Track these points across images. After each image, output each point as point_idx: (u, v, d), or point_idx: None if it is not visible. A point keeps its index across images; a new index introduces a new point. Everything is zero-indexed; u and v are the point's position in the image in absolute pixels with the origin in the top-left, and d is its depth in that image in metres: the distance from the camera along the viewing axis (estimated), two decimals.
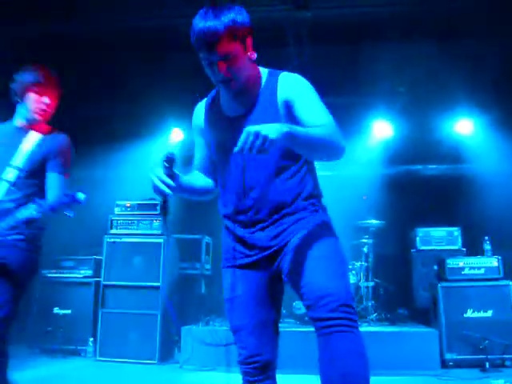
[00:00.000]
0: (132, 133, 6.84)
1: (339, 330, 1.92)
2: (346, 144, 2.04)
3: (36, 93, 2.98)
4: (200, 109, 2.38)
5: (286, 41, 5.56)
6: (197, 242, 6.43)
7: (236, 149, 1.81)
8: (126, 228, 5.90)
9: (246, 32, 2.03)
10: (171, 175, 2.07)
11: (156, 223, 5.84)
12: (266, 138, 1.77)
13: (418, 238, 6.39)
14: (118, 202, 6.06)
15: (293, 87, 2.14)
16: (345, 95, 6.23)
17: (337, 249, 2.13)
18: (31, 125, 3.03)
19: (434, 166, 7.49)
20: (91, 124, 6.74)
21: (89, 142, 6.73)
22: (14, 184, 2.88)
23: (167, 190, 2.05)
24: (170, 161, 2.07)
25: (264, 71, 2.23)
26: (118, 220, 5.95)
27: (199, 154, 2.43)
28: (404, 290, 6.46)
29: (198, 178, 2.39)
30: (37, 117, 3.02)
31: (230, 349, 4.93)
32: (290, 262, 2.09)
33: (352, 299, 2.02)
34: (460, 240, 6.27)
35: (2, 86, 3.11)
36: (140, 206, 5.96)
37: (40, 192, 2.94)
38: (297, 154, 2.14)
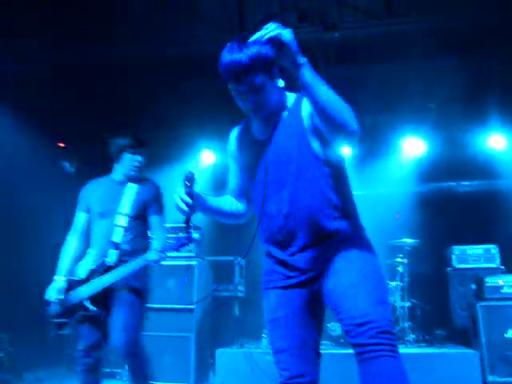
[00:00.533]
0: (164, 157, 6.93)
1: (380, 354, 1.92)
2: (358, 128, 2.03)
3: (131, 153, 3.65)
4: (233, 135, 2.48)
5: (314, 62, 5.59)
6: (230, 263, 6.44)
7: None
8: None
9: (270, 62, 2.10)
10: (191, 194, 2.17)
11: (190, 245, 5.87)
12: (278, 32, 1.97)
13: (454, 257, 6.27)
14: None
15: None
16: (375, 114, 6.21)
17: (378, 273, 2.12)
18: (128, 178, 3.67)
19: (468, 183, 7.38)
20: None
21: None
22: (126, 228, 3.48)
23: (186, 208, 2.15)
24: (189, 180, 2.17)
25: (293, 95, 2.30)
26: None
27: (232, 179, 2.50)
28: (441, 310, 6.32)
29: (227, 202, 2.46)
30: (132, 173, 3.65)
31: (265, 371, 4.89)
32: (330, 286, 2.10)
33: (392, 325, 2.01)
34: (498, 258, 6.12)
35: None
36: (173, 229, 6.01)
37: (145, 233, 3.62)
38: (334, 174, 2.16)
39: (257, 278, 5.55)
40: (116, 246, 3.42)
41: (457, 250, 6.28)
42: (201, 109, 6.27)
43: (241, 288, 6.55)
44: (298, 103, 2.24)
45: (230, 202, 2.47)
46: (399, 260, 6.26)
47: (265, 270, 2.32)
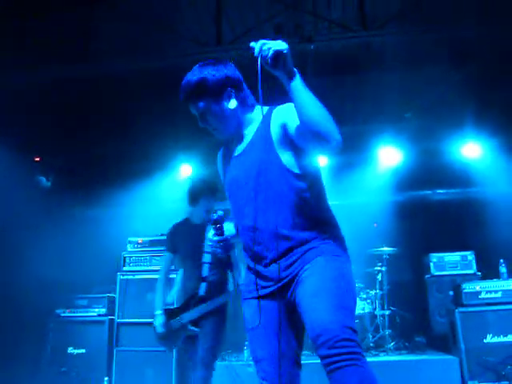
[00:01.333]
0: (141, 170, 6.91)
1: (340, 365, 1.89)
2: (340, 139, 2.04)
3: (206, 199, 4.12)
4: (219, 154, 2.55)
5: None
6: None
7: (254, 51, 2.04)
8: (138, 265, 5.91)
9: (219, 85, 2.22)
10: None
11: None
12: (272, 49, 2.00)
13: (431, 264, 6.34)
14: (130, 239, 6.09)
15: (284, 112, 2.22)
16: (351, 124, 6.28)
17: (342, 278, 2.10)
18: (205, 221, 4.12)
19: (444, 191, 7.48)
20: (101, 163, 6.83)
21: (100, 180, 6.84)
22: (210, 264, 4.03)
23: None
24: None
25: (264, 109, 2.30)
26: (130, 257, 5.97)
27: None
28: (420, 316, 6.38)
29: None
30: (209, 216, 3.74)
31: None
32: (299, 296, 2.12)
33: (352, 332, 1.96)
34: (474, 264, 6.21)
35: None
36: (152, 242, 5.97)
37: (225, 266, 4.09)
38: (306, 185, 2.18)
39: (236, 290, 5.53)
40: (204, 279, 4.05)
41: (434, 257, 6.35)
42: (179, 123, 6.27)
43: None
44: (267, 116, 2.27)
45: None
46: (378, 268, 6.31)
47: (244, 281, 2.35)
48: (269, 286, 2.21)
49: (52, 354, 5.90)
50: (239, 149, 2.32)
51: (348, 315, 2.02)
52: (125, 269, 5.93)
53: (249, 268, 2.32)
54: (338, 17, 5.20)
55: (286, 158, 2.18)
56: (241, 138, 2.33)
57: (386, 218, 7.04)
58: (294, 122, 2.13)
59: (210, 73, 2.20)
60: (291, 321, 2.22)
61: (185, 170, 7.47)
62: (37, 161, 7.19)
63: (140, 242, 6.04)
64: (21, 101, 5.84)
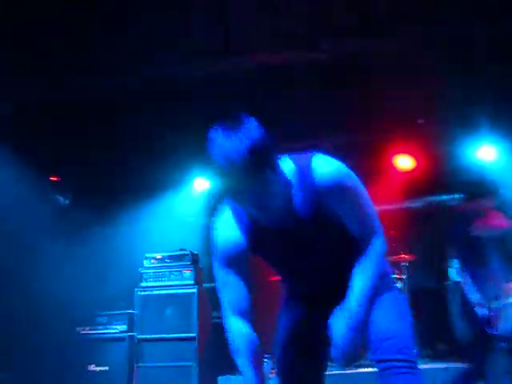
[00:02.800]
0: (156, 185, 6.95)
1: (402, 371, 1.93)
2: (384, 238, 2.02)
3: None
4: (228, 221, 2.05)
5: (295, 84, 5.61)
6: None
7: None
8: (156, 280, 5.92)
9: (269, 153, 1.77)
10: None
11: (187, 273, 5.85)
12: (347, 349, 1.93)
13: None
14: (147, 255, 6.11)
15: (332, 190, 1.89)
16: (364, 133, 6.26)
17: (400, 305, 2.14)
18: None
19: (461, 196, 7.40)
20: (116, 178, 6.89)
21: (117, 196, 6.89)
22: None
23: None
24: None
25: (290, 169, 1.92)
26: (148, 272, 5.99)
27: (233, 293, 2.05)
28: (442, 324, 6.29)
29: (255, 354, 2.07)
30: None
31: None
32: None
33: (413, 344, 2.04)
34: None
35: None
36: (169, 258, 5.99)
37: None
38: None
39: (255, 302, 5.48)
40: None
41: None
42: (194, 135, 6.29)
43: None
44: (306, 183, 1.90)
45: (252, 346, 2.05)
46: (397, 276, 6.25)
47: (283, 299, 2.34)
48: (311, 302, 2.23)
49: (74, 372, 5.93)
50: (276, 221, 1.89)
51: (410, 328, 2.07)
52: (142, 284, 5.94)
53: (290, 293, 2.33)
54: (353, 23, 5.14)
55: (335, 219, 1.97)
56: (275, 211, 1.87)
57: (404, 224, 6.98)
58: (344, 213, 1.95)
59: (260, 139, 1.73)
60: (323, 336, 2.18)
61: (199, 184, 7.48)
62: (54, 180, 7.27)
63: (158, 257, 6.05)
64: (36, 120, 5.94)
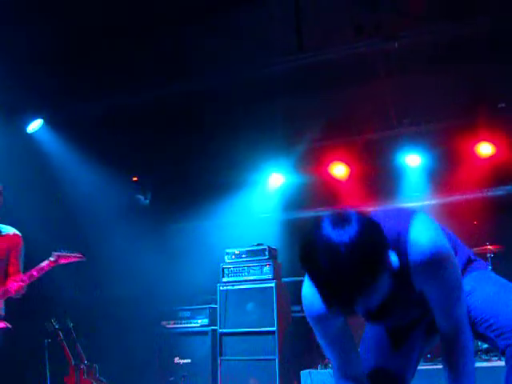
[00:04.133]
0: (233, 182, 7.05)
1: None
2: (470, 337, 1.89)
3: None
4: (317, 303, 1.78)
5: (375, 74, 5.55)
6: None
7: None
8: (237, 275, 6.02)
9: (381, 259, 1.53)
10: None
11: (266, 268, 5.91)
12: None
13: None
14: (228, 250, 6.21)
15: (429, 279, 1.75)
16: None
17: (505, 283, 2.06)
18: None
19: None
20: (195, 176, 7.05)
21: (194, 193, 7.06)
22: None
23: None
24: None
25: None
26: (228, 268, 6.09)
27: (343, 353, 1.93)
28: None
29: None
30: None
31: None
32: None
33: None
34: None
35: None
36: (249, 253, 6.07)
37: None
38: None
39: None
40: None
41: None
42: (268, 131, 6.35)
43: None
44: (405, 271, 1.73)
45: None
46: None
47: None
48: None
49: (160, 364, 6.16)
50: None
51: None
52: (224, 280, 6.06)
53: None
54: (420, 12, 5.04)
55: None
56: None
57: (487, 214, 6.69)
58: (434, 300, 1.84)
59: (369, 246, 1.49)
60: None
61: (274, 180, 7.51)
62: (135, 180, 7.55)
63: (237, 252, 6.15)
64: (118, 122, 6.21)
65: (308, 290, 1.84)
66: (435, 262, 1.71)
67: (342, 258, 1.44)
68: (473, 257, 2.16)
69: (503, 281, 2.07)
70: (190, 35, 5.36)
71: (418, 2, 5.04)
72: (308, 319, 1.91)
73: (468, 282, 2.02)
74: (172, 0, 5.03)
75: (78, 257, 3.96)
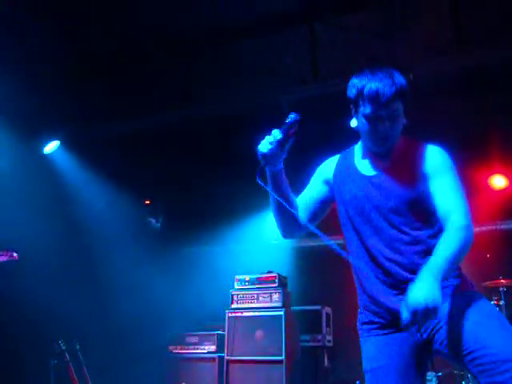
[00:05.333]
0: (243, 208, 7.06)
1: None
2: (471, 225, 2.07)
3: None
4: (331, 162, 2.47)
5: None
6: (316, 312, 6.34)
7: (403, 326, 1.91)
8: (246, 302, 5.98)
9: (407, 96, 2.19)
10: (288, 137, 2.23)
11: (275, 296, 5.87)
12: (429, 310, 1.82)
13: None
14: (238, 277, 6.19)
15: (436, 163, 2.20)
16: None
17: (497, 312, 2.12)
18: None
19: None
20: (206, 200, 7.08)
21: (205, 218, 7.07)
22: None
23: (271, 144, 2.20)
24: (292, 123, 2.23)
25: (405, 138, 2.30)
26: (238, 294, 6.06)
27: (308, 193, 2.47)
28: None
29: (293, 197, 2.42)
30: None
31: None
32: (446, 330, 2.02)
33: None
34: None
35: None
36: (259, 280, 6.04)
37: None
38: (430, 220, 2.16)
39: (344, 326, 5.41)
40: None
41: None
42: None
43: (328, 338, 6.41)
44: (414, 152, 2.23)
45: (295, 201, 2.42)
46: (495, 302, 5.93)
47: (361, 320, 2.29)
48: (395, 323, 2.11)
49: None
50: (373, 169, 2.28)
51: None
52: (233, 306, 6.02)
53: (367, 309, 2.26)
54: (433, 42, 5.06)
55: (422, 199, 2.19)
56: (379, 157, 2.28)
57: (500, 247, 6.62)
58: (437, 185, 2.16)
59: (404, 80, 2.18)
60: (417, 359, 2.13)
61: None
62: (147, 204, 7.59)
63: (247, 279, 6.12)
64: (132, 145, 6.27)
65: (330, 158, 2.48)
66: (447, 159, 2.21)
67: (385, 82, 2.13)
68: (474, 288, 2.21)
69: (497, 312, 2.12)
70: (204, 62, 5.43)
71: (433, 32, 5.06)
72: (316, 174, 2.49)
73: (460, 300, 2.05)
74: (187, 28, 5.11)
75: (10, 256, 3.57)
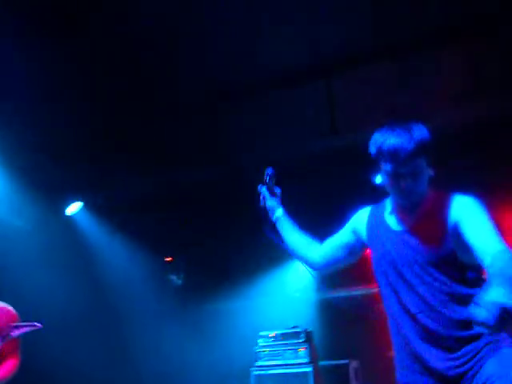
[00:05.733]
0: (265, 262, 7.02)
1: None
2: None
3: None
4: (364, 214, 2.48)
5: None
6: (344, 367, 6.15)
7: (479, 323, 1.70)
8: (271, 359, 5.83)
9: (430, 149, 2.16)
10: (271, 189, 2.59)
11: (301, 352, 5.72)
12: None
13: None
14: (262, 333, 6.06)
15: (464, 208, 2.15)
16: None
17: None
18: None
19: None
20: (228, 256, 7.06)
21: (227, 274, 7.05)
22: None
23: (263, 200, 2.58)
24: (269, 177, 2.60)
25: (434, 190, 2.27)
26: (263, 351, 5.92)
27: (336, 237, 2.53)
28: None
29: (308, 241, 2.56)
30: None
31: None
32: None
33: None
34: None
35: None
36: (284, 336, 5.91)
37: None
38: (464, 275, 2.10)
39: (371, 380, 5.23)
40: None
41: None
42: (297, 208, 6.37)
43: None
44: (443, 202, 2.19)
45: (311, 244, 2.54)
46: None
47: (402, 381, 2.22)
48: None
49: None
50: (401, 223, 2.26)
51: None
52: (258, 364, 5.87)
53: (406, 368, 2.19)
54: (454, 92, 5.08)
55: (452, 251, 2.12)
56: (408, 211, 2.24)
57: None
58: (470, 229, 2.07)
59: (426, 134, 2.15)
60: None
61: None
62: (168, 261, 7.61)
63: (272, 335, 5.99)
64: (153, 204, 6.34)
65: (362, 209, 2.50)
66: (474, 202, 2.15)
67: (405, 138, 2.11)
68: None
69: None
70: (226, 118, 5.53)
71: (452, 82, 5.09)
72: (350, 223, 2.52)
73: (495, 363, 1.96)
74: (212, 82, 5.23)
75: (32, 326, 3.62)
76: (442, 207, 2.18)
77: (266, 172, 2.59)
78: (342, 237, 2.51)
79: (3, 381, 3.59)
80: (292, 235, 2.56)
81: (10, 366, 3.60)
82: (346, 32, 4.73)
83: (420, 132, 2.12)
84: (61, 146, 5.38)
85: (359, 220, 2.47)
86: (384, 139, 2.14)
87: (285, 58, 4.96)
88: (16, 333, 3.48)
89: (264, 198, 2.57)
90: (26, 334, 3.54)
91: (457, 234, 2.10)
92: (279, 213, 2.61)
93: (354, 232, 2.47)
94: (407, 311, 2.15)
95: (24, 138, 5.05)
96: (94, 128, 5.42)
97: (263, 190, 2.59)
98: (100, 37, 4.47)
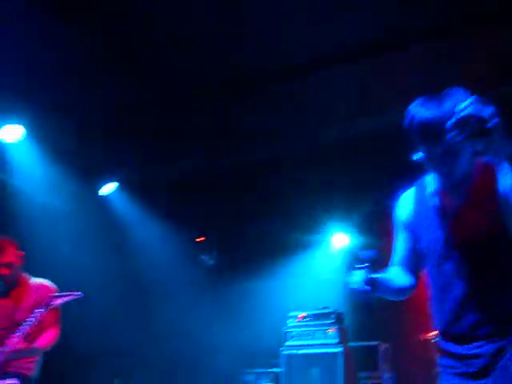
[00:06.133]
0: (295, 243, 7.07)
1: None
2: None
3: None
4: (407, 199, 2.24)
5: None
6: (373, 349, 6.18)
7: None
8: (301, 339, 5.90)
9: (468, 124, 1.76)
10: (371, 277, 1.99)
11: (332, 332, 5.77)
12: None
13: None
14: (291, 314, 6.13)
15: (508, 181, 1.92)
16: None
17: None
18: None
19: None
20: (259, 237, 7.13)
21: (258, 254, 7.11)
22: None
23: (362, 295, 2.00)
24: (370, 261, 2.00)
25: (483, 163, 2.02)
26: (292, 332, 6.00)
27: (400, 248, 2.25)
28: None
29: (396, 277, 2.19)
30: None
31: None
32: None
33: None
34: None
35: None
36: (314, 316, 5.96)
37: None
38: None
39: (402, 364, 5.25)
40: None
41: None
42: (327, 196, 6.39)
43: (386, 375, 6.22)
44: (492, 173, 1.95)
45: (399, 277, 2.20)
46: None
47: (441, 363, 2.12)
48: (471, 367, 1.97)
49: None
50: (449, 202, 2.04)
51: None
52: (287, 344, 5.95)
53: (445, 354, 2.09)
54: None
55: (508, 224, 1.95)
56: (455, 189, 2.02)
57: None
58: None
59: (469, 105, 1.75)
60: None
61: (338, 240, 7.45)
62: (200, 241, 7.72)
63: (302, 316, 6.05)
64: (184, 186, 6.44)
65: (403, 195, 2.25)
66: None
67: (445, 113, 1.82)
68: None
69: None
70: (256, 106, 5.57)
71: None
72: (395, 220, 2.27)
73: None
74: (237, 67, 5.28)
75: (73, 295, 3.64)
76: (490, 181, 1.96)
77: (361, 255, 2.03)
78: (403, 243, 2.23)
79: (45, 349, 3.76)
80: (388, 290, 2.15)
81: (51, 336, 3.77)
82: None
83: (456, 99, 1.81)
84: (98, 129, 5.50)
85: (403, 211, 2.23)
86: (416, 114, 1.90)
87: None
88: (58, 302, 3.60)
89: (359, 291, 1.99)
90: (67, 303, 3.66)
91: (506, 203, 1.92)
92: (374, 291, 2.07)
93: (406, 227, 2.21)
94: (454, 297, 2.01)
95: (62, 124, 5.19)
96: (131, 111, 5.52)
97: (357, 279, 2.00)
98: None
